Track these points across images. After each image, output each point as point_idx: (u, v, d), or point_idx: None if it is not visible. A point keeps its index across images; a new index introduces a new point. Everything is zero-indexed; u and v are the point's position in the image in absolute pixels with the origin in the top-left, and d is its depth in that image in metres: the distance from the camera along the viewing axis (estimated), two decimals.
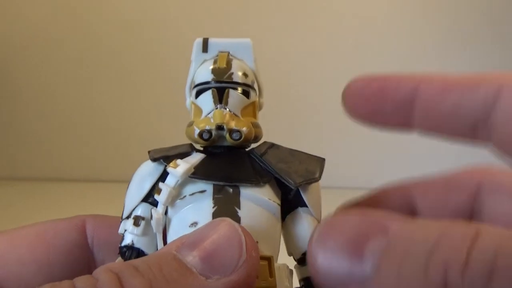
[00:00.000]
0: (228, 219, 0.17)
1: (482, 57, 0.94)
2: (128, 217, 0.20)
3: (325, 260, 0.15)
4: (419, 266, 0.12)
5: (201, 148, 0.21)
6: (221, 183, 0.19)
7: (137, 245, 0.19)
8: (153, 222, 0.19)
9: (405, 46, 0.97)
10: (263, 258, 0.18)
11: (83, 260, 0.22)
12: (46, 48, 1.06)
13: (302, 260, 0.20)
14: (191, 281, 0.15)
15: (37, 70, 1.07)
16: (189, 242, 0.16)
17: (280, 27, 0.98)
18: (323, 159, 0.21)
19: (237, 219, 0.18)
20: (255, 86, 0.22)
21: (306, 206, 0.20)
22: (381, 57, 0.97)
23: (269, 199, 0.19)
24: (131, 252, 0.19)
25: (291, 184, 0.19)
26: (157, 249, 0.19)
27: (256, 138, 0.21)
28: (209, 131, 0.20)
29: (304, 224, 0.20)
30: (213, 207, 0.19)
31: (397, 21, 0.96)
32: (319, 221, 0.20)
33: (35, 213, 0.81)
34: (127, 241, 0.20)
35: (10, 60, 1.08)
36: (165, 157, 0.20)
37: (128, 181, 0.21)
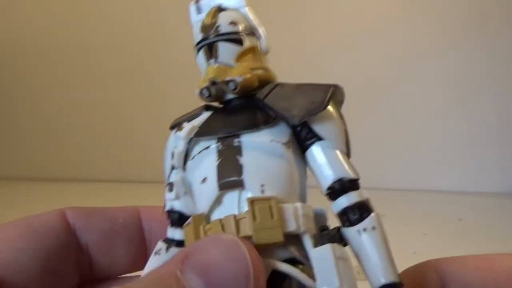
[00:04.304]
0: (234, 238, 0.16)
1: (476, 55, 0.95)
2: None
3: None
4: None
5: (221, 106, 0.21)
6: (221, 135, 0.19)
7: (176, 208, 0.20)
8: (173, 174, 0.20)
9: (402, 46, 0.97)
10: (263, 199, 0.17)
11: (70, 243, 0.23)
12: (47, 49, 1.06)
13: (330, 196, 0.19)
14: None
15: (37, 71, 1.07)
16: (193, 262, 0.15)
17: (281, 25, 0.98)
18: (332, 86, 0.20)
19: (240, 166, 0.18)
20: (251, 31, 0.21)
21: (322, 139, 0.19)
22: (379, 56, 0.97)
23: (270, 140, 0.19)
24: (174, 215, 0.21)
25: (293, 120, 0.19)
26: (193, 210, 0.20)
27: (266, 82, 0.20)
28: (207, 88, 0.20)
29: (320, 158, 0.19)
30: (217, 160, 0.19)
31: (396, 22, 0.97)
32: (343, 152, 0.19)
33: (35, 213, 0.81)
34: (167, 207, 0.21)
35: (11, 60, 1.08)
36: (177, 124, 0.21)
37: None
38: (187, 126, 0.20)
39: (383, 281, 0.17)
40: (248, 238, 0.17)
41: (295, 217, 0.17)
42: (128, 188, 0.99)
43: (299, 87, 0.20)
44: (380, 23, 0.97)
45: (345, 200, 0.18)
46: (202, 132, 0.20)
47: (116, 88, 1.06)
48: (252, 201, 0.17)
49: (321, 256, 0.17)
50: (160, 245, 0.21)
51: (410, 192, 0.95)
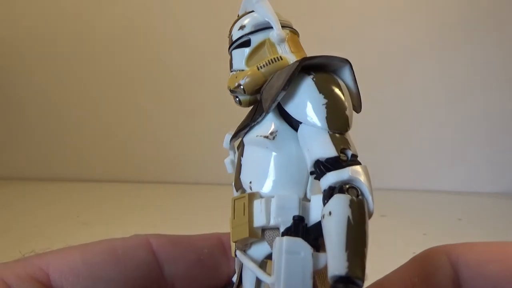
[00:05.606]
0: None
1: (479, 55, 0.95)
2: None
3: None
4: None
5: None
6: (236, 139, 0.20)
7: None
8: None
9: (404, 44, 0.97)
10: (240, 197, 0.18)
11: (151, 276, 0.22)
12: (47, 50, 1.06)
13: (316, 176, 0.17)
14: None
15: (37, 72, 1.07)
16: None
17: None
18: (297, 61, 0.17)
19: (240, 167, 0.19)
20: (260, 27, 0.20)
21: (301, 122, 0.17)
22: (380, 55, 0.97)
23: (256, 136, 0.19)
24: None
25: (266, 112, 0.18)
26: None
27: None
28: (236, 97, 0.21)
29: (301, 144, 0.17)
30: (236, 163, 0.20)
31: (398, 19, 0.97)
32: (323, 129, 0.17)
33: (35, 213, 0.81)
34: None
35: (11, 61, 1.08)
36: None
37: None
38: (226, 136, 0.21)
39: (332, 273, 0.14)
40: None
41: (266, 211, 0.17)
42: (128, 188, 0.99)
43: (280, 73, 0.18)
44: (382, 22, 0.97)
45: (322, 184, 0.16)
46: (232, 138, 0.21)
47: (116, 88, 1.06)
48: (233, 200, 0.18)
49: (274, 250, 0.15)
50: None
51: (410, 192, 0.95)
